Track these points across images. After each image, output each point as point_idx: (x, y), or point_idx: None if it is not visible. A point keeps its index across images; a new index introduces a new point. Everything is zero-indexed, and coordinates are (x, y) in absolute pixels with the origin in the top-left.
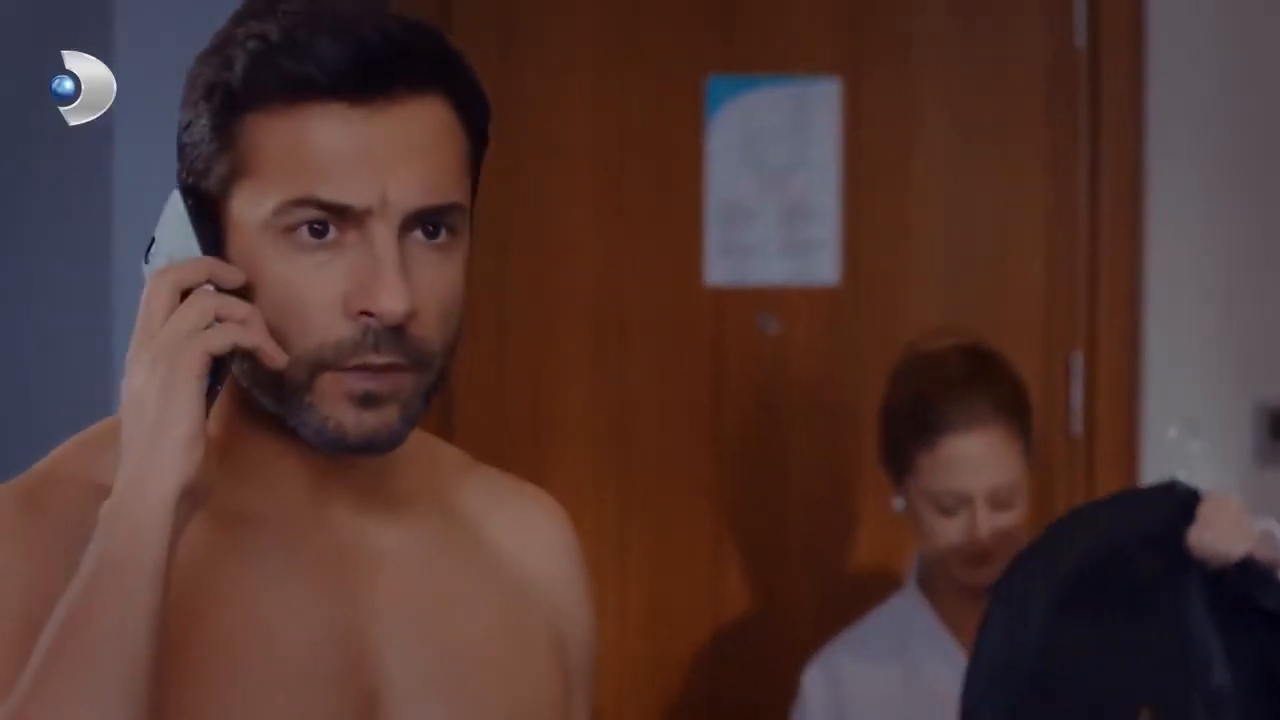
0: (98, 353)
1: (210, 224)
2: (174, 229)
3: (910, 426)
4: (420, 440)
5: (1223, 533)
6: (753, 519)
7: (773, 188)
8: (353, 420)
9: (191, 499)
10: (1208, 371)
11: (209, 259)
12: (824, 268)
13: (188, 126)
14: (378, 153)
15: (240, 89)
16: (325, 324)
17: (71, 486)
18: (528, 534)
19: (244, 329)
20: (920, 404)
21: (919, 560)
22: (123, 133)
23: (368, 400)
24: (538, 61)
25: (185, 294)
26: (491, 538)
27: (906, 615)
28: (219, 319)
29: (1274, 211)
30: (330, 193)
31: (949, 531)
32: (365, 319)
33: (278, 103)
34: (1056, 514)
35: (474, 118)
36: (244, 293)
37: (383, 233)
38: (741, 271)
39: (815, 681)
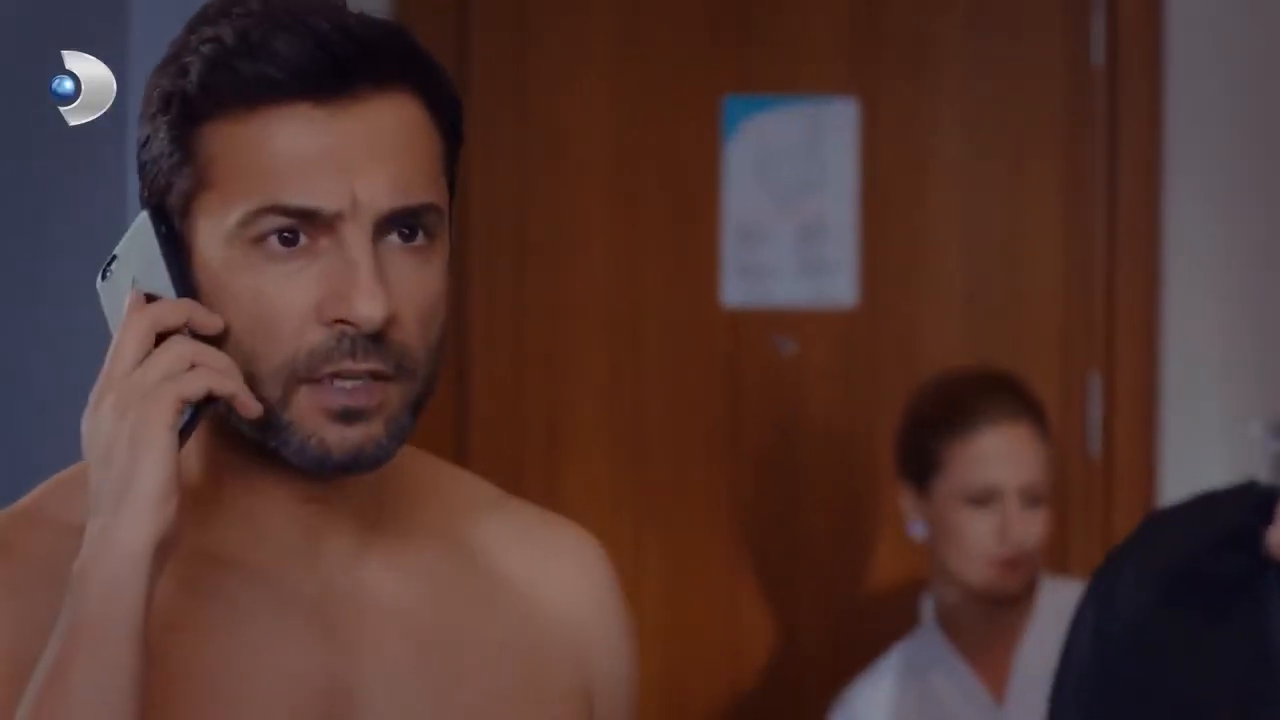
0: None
1: (177, 245)
2: (139, 249)
3: (940, 426)
4: (434, 475)
5: None
6: (768, 540)
7: (789, 208)
8: (335, 437)
9: (165, 552)
10: (1226, 390)
11: (187, 302)
12: (841, 289)
13: (145, 143)
14: (345, 153)
15: (196, 96)
16: (298, 334)
17: (47, 528)
18: (554, 576)
19: (219, 376)
20: (950, 404)
21: (936, 598)
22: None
23: (348, 415)
24: (554, 83)
25: (160, 337)
26: (511, 580)
27: (927, 652)
28: (194, 366)
29: None
30: (297, 198)
31: (980, 530)
32: (341, 327)
33: (236, 107)
34: (1074, 536)
35: (446, 115)
36: (221, 339)
37: (355, 236)
38: (758, 292)
39: None
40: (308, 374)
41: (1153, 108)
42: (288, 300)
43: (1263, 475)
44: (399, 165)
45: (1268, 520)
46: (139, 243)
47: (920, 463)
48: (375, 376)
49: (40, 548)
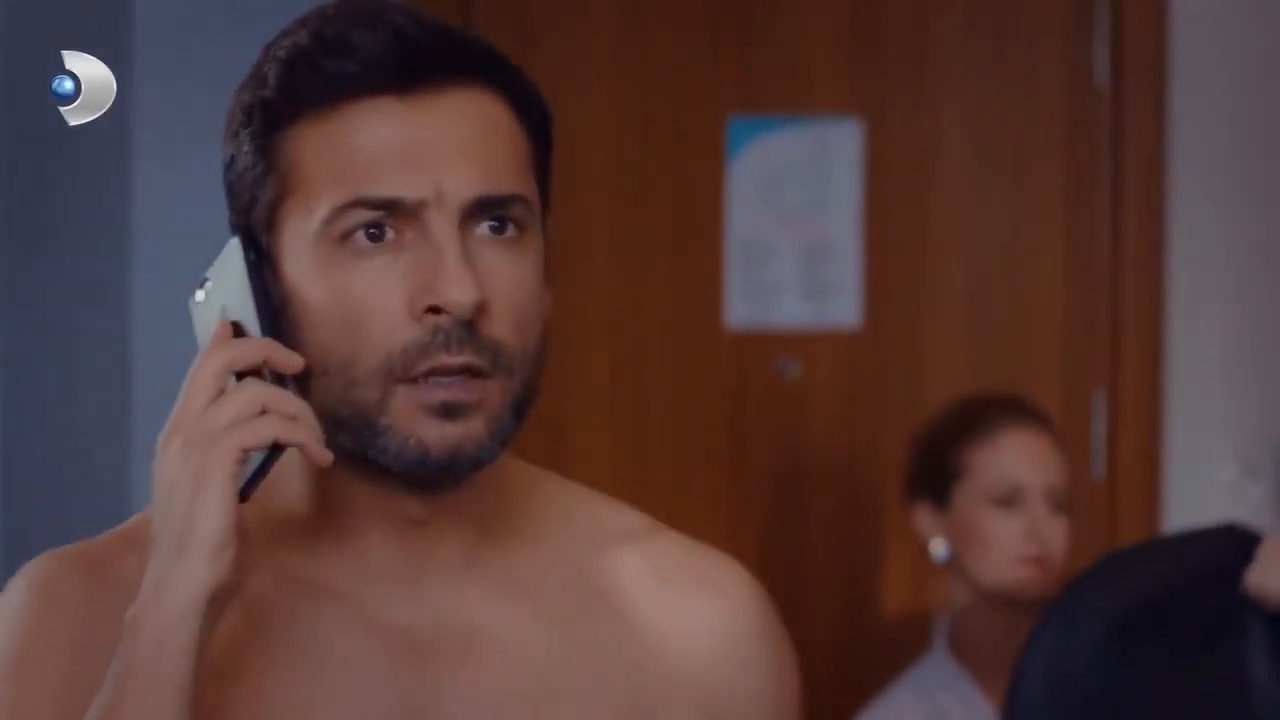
0: (115, 357)
1: (264, 272)
2: (228, 274)
3: (960, 436)
4: (565, 502)
5: None
6: (773, 561)
7: (793, 229)
8: (435, 434)
9: (221, 602)
10: (1231, 410)
11: (267, 342)
12: (845, 310)
13: (231, 162)
14: (428, 143)
15: (276, 101)
16: (391, 331)
17: (143, 550)
18: (689, 616)
19: (287, 424)
20: (969, 417)
21: (952, 619)
22: (140, 133)
23: (449, 410)
24: (557, 102)
25: (240, 375)
26: (637, 619)
27: (938, 677)
28: (265, 412)
29: None
30: (380, 189)
31: (1008, 531)
32: (433, 317)
33: (317, 107)
34: (1079, 555)
35: (532, 119)
36: (302, 378)
37: (441, 224)
38: (762, 313)
39: None
40: (404, 373)
41: (1156, 129)
42: (378, 298)
43: (1248, 513)
44: (482, 155)
45: (1247, 562)
46: (229, 268)
47: (940, 475)
48: (472, 372)
49: (134, 570)
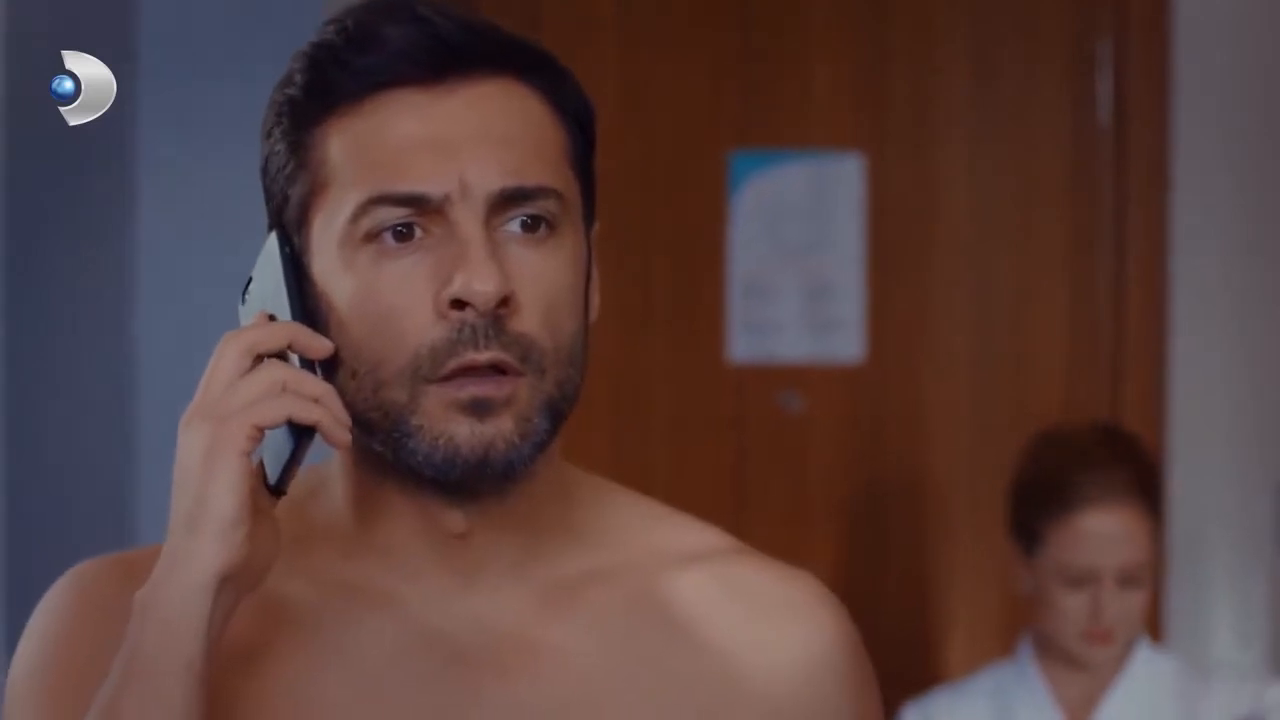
0: (119, 359)
1: (297, 267)
2: (268, 272)
3: (1044, 499)
4: (639, 518)
5: None
6: None
7: (795, 264)
8: (465, 432)
9: (235, 585)
10: (1232, 452)
11: (292, 325)
12: (847, 345)
13: (265, 162)
14: (452, 136)
15: (303, 97)
16: (418, 331)
17: None
18: (765, 639)
19: (304, 403)
20: (1056, 477)
21: (1034, 631)
22: (143, 133)
23: (478, 407)
24: None
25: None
26: (707, 640)
27: (1015, 680)
28: (286, 392)
29: None
30: (403, 184)
31: (1074, 608)
32: (459, 314)
33: (344, 102)
34: None
35: (570, 111)
36: (336, 360)
37: (466, 218)
38: (764, 348)
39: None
40: (432, 372)
41: (1160, 165)
42: (405, 298)
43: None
44: (508, 149)
45: None
46: (267, 264)
47: (1024, 532)
48: (501, 369)
49: None
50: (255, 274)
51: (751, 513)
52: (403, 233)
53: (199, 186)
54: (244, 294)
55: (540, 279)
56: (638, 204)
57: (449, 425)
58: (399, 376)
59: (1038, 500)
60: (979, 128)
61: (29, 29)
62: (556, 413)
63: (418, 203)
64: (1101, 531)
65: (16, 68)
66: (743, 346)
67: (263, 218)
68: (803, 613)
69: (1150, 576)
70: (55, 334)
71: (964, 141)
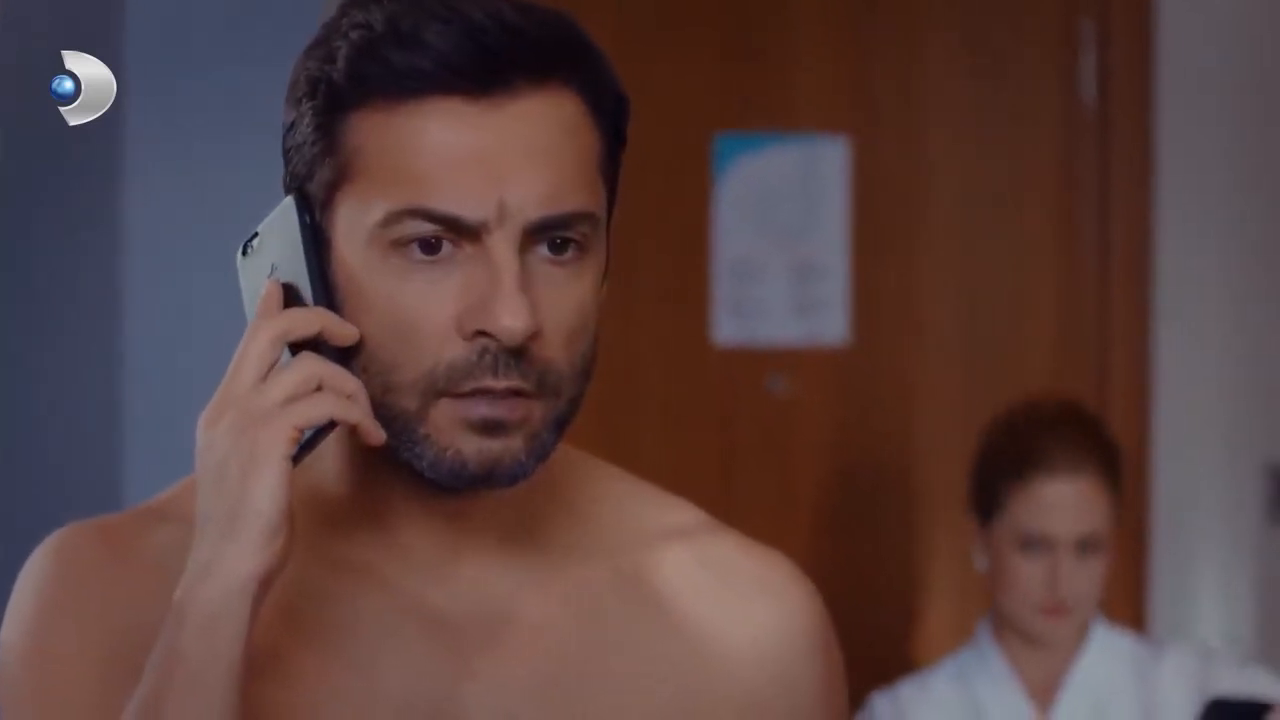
0: (106, 354)
1: (318, 238)
2: (282, 233)
3: (1005, 467)
4: (618, 496)
5: None
6: None
7: (781, 246)
8: (473, 448)
9: (268, 585)
10: (1219, 430)
11: (321, 311)
12: (833, 327)
13: (291, 128)
14: (494, 156)
15: (343, 84)
16: (438, 346)
17: (176, 523)
18: (739, 616)
19: (343, 402)
20: (1018, 443)
21: (992, 612)
22: (132, 134)
23: (489, 427)
24: None
25: (294, 347)
26: (684, 617)
27: (977, 663)
28: (319, 388)
29: None
30: (442, 203)
31: (1030, 578)
32: (482, 339)
33: (384, 98)
34: None
35: (608, 112)
36: (355, 349)
37: (500, 246)
38: (750, 330)
39: (883, 707)
40: (448, 387)
41: (1144, 145)
42: (428, 311)
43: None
44: (551, 170)
45: None
46: (282, 227)
47: (984, 500)
48: (517, 394)
49: (163, 543)
50: (264, 232)
51: (738, 495)
52: (432, 245)
53: (187, 171)
54: (246, 246)
55: (566, 305)
56: (624, 186)
57: (457, 440)
58: (412, 386)
59: (998, 468)
60: (965, 109)
61: (16, 14)
62: (564, 425)
63: (453, 223)
64: (1060, 498)
65: (5, 69)
66: (729, 329)
67: (250, 203)
68: (778, 592)
69: (1107, 551)
70: (42, 319)
71: (950, 123)
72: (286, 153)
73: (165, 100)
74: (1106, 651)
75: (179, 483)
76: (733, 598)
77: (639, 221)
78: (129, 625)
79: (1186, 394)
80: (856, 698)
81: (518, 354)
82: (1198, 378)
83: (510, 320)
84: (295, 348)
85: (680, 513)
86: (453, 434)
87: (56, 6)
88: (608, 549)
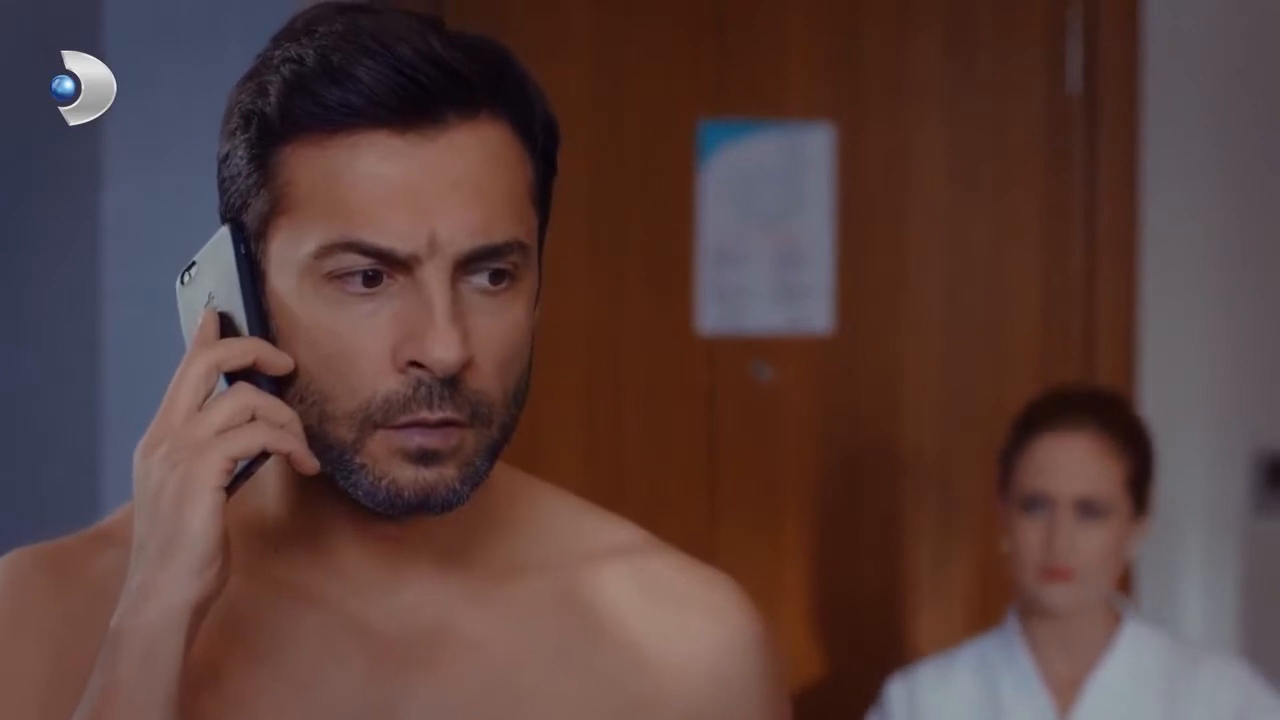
0: (86, 354)
1: (253, 268)
2: (218, 263)
3: (1015, 433)
4: (556, 516)
5: None
6: (748, 567)
7: (766, 234)
8: (408, 477)
9: (205, 610)
10: (1205, 419)
11: (255, 341)
12: (817, 315)
13: (225, 159)
14: (425, 188)
15: (275, 118)
16: (373, 379)
17: (123, 550)
18: (677, 633)
19: (276, 432)
20: (1028, 410)
21: (1019, 599)
22: (113, 132)
23: (424, 457)
24: None
25: (231, 376)
26: (622, 634)
27: (1001, 654)
28: (253, 419)
29: (1271, 258)
30: (373, 236)
31: (1029, 538)
32: (416, 371)
33: (316, 132)
34: None
35: (538, 141)
36: (290, 379)
37: (433, 278)
38: (734, 318)
39: (898, 694)
40: (383, 420)
41: (1130, 134)
42: (362, 343)
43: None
44: (481, 201)
45: None
46: (218, 256)
47: (1001, 476)
48: (451, 424)
49: (109, 567)
50: (201, 261)
51: (723, 483)
52: (371, 276)
53: (167, 167)
54: (184, 274)
55: (498, 334)
56: (608, 173)
57: (392, 469)
58: (348, 418)
59: (1011, 438)
60: (950, 96)
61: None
62: (497, 452)
63: (385, 256)
64: (1057, 455)
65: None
66: (713, 316)
67: None
68: (717, 610)
69: (1119, 522)
70: (22, 313)
71: (935, 110)
72: (222, 183)
73: (144, 96)
74: (1137, 652)
75: (126, 505)
76: (672, 615)
77: (623, 209)
78: (73, 648)
79: (1172, 383)
80: (840, 680)
81: (451, 384)
82: (1183, 366)
83: (442, 352)
84: (231, 377)
85: (621, 531)
86: (388, 464)
87: (36, 3)
88: (547, 566)
